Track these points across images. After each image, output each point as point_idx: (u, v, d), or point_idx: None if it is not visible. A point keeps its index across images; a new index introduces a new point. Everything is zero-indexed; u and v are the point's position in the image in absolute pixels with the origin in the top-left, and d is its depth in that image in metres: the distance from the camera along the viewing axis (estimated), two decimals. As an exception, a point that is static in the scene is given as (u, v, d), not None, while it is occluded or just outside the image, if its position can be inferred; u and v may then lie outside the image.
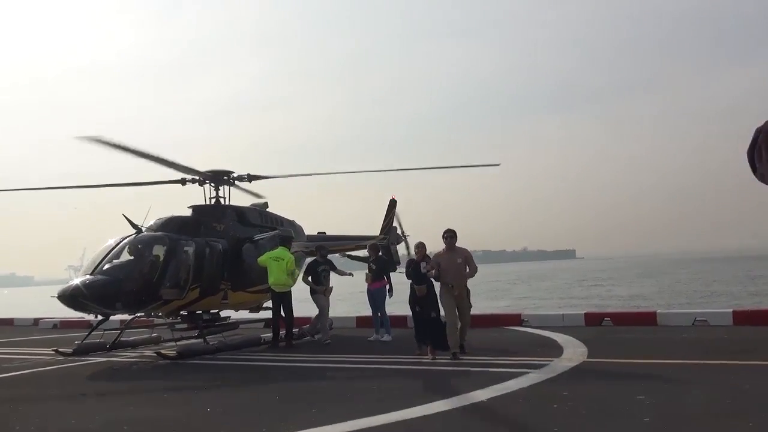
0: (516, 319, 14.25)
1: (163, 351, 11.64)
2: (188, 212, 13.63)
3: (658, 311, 13.24)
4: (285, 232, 15.09)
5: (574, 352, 9.73)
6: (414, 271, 10.23)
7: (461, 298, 10.05)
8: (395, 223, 19.83)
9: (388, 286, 13.12)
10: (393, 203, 19.75)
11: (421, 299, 10.12)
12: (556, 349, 10.11)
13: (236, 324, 14.95)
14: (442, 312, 10.14)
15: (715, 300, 34.76)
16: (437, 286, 10.25)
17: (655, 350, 9.68)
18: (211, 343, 12.04)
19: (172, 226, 12.66)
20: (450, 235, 10.06)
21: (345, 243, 18.32)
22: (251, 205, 15.07)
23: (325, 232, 18.17)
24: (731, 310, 12.68)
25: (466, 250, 10.21)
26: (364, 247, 18.40)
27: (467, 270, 10.07)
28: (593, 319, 13.54)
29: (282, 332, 12.75)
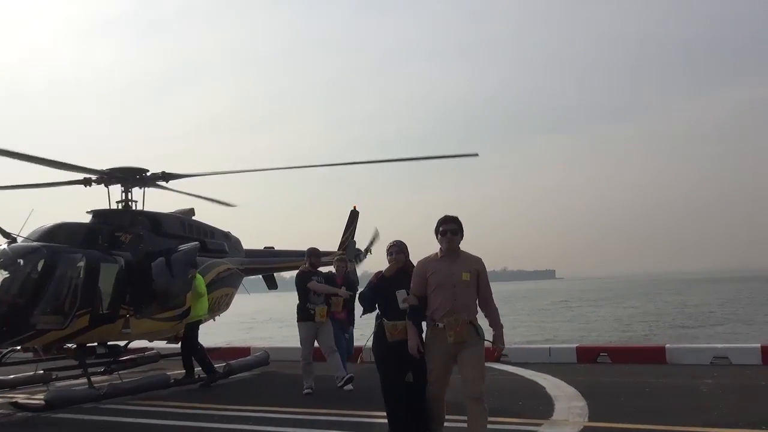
0: (494, 353, 11.61)
1: (22, 400, 8.86)
2: (87, 218, 10.95)
3: (667, 346, 10.73)
4: (215, 245, 12.49)
5: (569, 408, 7.16)
6: (375, 294, 5.79)
7: (464, 347, 5.32)
8: (360, 237, 17.29)
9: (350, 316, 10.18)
10: (354, 214, 17.19)
11: (397, 348, 5.53)
12: (544, 403, 7.53)
13: (155, 357, 12.23)
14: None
15: (706, 322, 32.47)
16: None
17: (680, 408, 7.12)
18: (98, 386, 9.29)
19: (60, 235, 9.96)
20: (452, 229, 5.48)
21: (295, 259, 15.74)
22: (175, 211, 12.43)
23: (273, 247, 15.64)
24: (758, 345, 10.21)
25: (479, 259, 5.59)
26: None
27: (478, 296, 5.50)
28: (587, 355, 11.03)
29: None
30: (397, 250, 5.84)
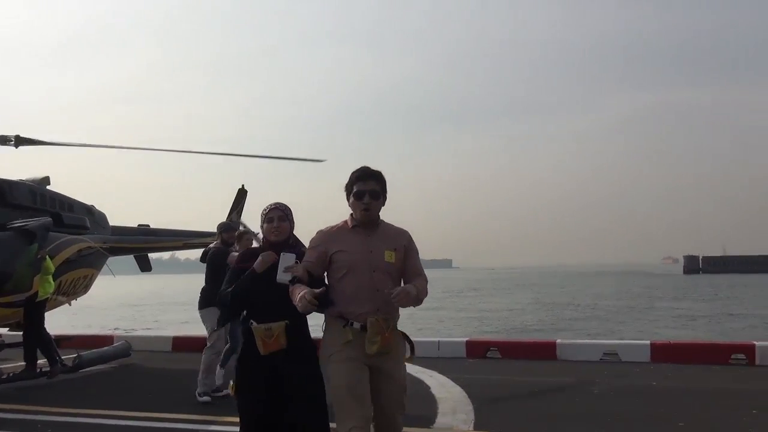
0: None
1: None
2: None
3: (557, 341, 10.33)
4: (74, 219, 11.07)
5: (453, 413, 6.45)
6: (243, 286, 3.75)
7: (384, 365, 3.54)
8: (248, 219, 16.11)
9: None
10: (242, 193, 16.01)
11: (270, 366, 3.66)
12: (427, 407, 6.78)
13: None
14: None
15: (593, 309, 33.43)
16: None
17: (571, 412, 6.58)
18: None
19: None
20: (372, 190, 3.63)
21: (173, 239, 14.47)
22: (26, 179, 10.88)
23: (148, 225, 14.27)
24: (648, 342, 9.98)
25: (405, 232, 3.82)
26: (195, 246, 14.67)
27: (404, 282, 3.68)
28: (477, 349, 10.47)
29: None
30: (280, 215, 3.84)
